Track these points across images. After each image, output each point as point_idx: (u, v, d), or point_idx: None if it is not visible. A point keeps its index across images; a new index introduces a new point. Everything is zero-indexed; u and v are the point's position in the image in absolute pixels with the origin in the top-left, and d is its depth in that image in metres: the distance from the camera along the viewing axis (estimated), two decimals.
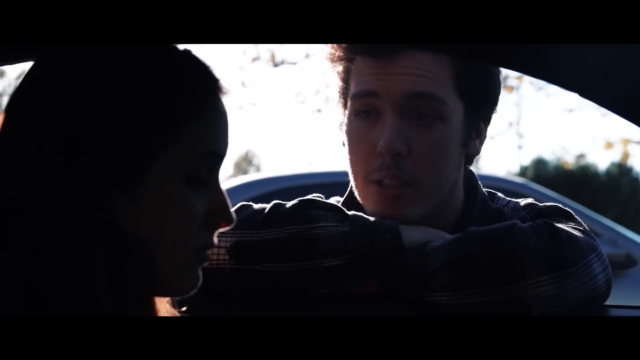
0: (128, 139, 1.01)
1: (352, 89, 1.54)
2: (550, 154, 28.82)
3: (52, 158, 1.00)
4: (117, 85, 1.02)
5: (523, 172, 20.48)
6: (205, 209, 1.08)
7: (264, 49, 11.62)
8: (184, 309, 1.19)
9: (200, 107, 1.07)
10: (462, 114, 1.53)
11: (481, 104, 1.58)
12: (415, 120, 1.49)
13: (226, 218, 1.10)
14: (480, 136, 1.62)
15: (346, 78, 1.57)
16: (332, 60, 1.58)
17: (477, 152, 1.62)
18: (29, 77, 1.06)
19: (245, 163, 37.03)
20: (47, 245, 0.98)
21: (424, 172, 1.50)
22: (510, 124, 22.71)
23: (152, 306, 1.14)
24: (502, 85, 1.61)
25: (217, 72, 1.12)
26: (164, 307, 1.17)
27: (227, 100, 1.12)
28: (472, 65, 1.51)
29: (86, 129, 1.00)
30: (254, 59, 11.76)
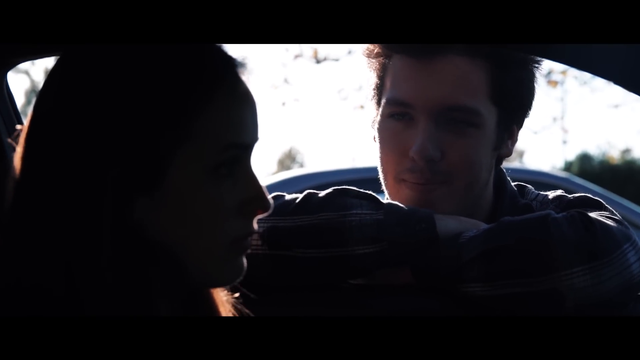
0: (140, 141, 0.99)
1: (387, 90, 1.55)
2: (595, 149, 28.53)
3: (68, 165, 0.99)
4: (121, 88, 0.99)
5: (568, 167, 20.29)
6: (239, 198, 1.06)
7: (307, 46, 11.63)
8: (236, 294, 1.20)
9: (212, 97, 1.03)
10: (495, 120, 1.54)
11: (515, 110, 1.58)
12: (449, 126, 1.50)
13: (262, 205, 1.08)
14: (512, 138, 1.62)
15: (382, 75, 1.57)
16: (369, 56, 1.59)
17: (509, 153, 1.63)
18: (45, 81, 1.05)
19: (288, 160, 37.11)
20: (70, 252, 0.98)
21: (457, 174, 1.51)
22: (555, 119, 22.47)
23: (202, 301, 1.15)
24: (541, 84, 1.60)
25: (233, 52, 1.06)
26: (218, 296, 1.17)
27: (250, 79, 1.07)
28: (508, 71, 1.51)
29: (97, 135, 0.98)
30: (297, 56, 11.77)
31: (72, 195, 0.98)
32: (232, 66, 1.06)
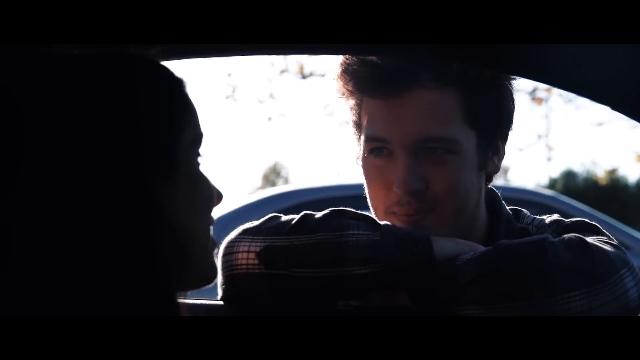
0: (159, 130, 1.05)
1: (364, 127, 1.56)
2: (579, 166, 28.68)
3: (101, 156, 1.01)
4: (142, 89, 1.07)
5: (552, 184, 20.39)
6: None
7: (292, 61, 11.60)
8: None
9: (189, 97, 1.13)
10: (474, 142, 1.54)
11: (494, 128, 1.59)
12: (428, 155, 1.51)
13: (219, 192, 1.16)
14: (499, 153, 1.62)
15: (358, 112, 1.58)
16: (343, 96, 1.59)
17: (497, 169, 1.63)
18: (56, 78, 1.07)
19: (273, 175, 37.10)
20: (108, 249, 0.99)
21: (443, 201, 1.52)
22: (539, 136, 22.52)
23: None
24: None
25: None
26: None
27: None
28: (480, 93, 1.51)
29: (124, 128, 1.03)
30: (282, 71, 11.73)
31: (114, 194, 1.00)
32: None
